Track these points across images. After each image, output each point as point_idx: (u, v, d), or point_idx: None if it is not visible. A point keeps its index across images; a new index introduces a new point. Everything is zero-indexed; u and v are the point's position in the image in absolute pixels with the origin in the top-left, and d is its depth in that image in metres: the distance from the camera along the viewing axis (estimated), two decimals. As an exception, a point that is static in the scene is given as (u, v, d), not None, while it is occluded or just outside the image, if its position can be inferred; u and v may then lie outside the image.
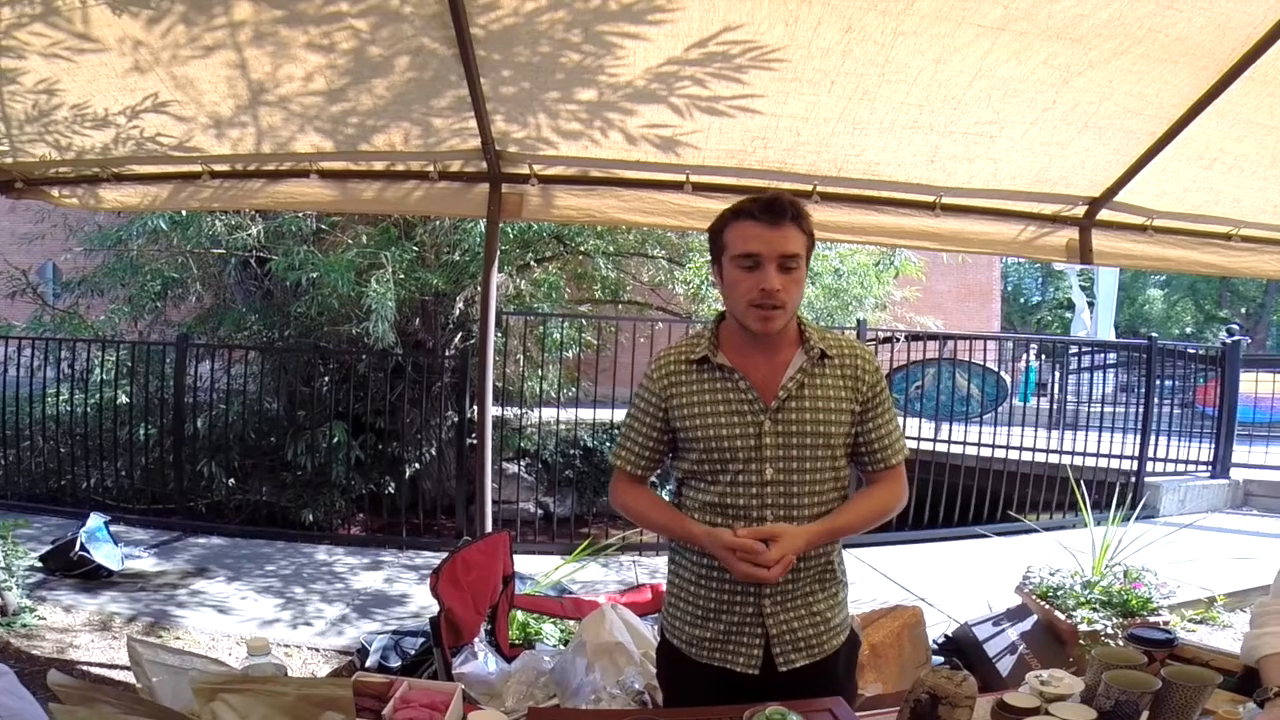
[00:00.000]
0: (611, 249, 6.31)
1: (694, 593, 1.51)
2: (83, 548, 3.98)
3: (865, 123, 2.40)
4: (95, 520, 4.21)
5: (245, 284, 6.52)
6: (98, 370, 5.91)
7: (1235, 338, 6.70)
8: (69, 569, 3.96)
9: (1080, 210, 2.80)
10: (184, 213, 5.47)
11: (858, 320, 5.90)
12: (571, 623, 2.97)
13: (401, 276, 5.36)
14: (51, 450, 5.80)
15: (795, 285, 1.42)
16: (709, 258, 1.56)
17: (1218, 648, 1.68)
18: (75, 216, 6.95)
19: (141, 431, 5.60)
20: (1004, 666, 2.95)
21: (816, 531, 1.45)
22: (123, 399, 5.75)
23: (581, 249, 6.24)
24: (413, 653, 3.02)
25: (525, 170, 2.67)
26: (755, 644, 1.46)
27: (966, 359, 7.91)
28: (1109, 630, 2.95)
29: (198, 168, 2.69)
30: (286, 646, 3.39)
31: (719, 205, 2.60)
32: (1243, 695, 1.40)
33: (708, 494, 1.48)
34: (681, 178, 2.62)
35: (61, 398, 5.88)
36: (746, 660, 1.46)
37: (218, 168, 2.70)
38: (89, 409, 5.74)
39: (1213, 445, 6.44)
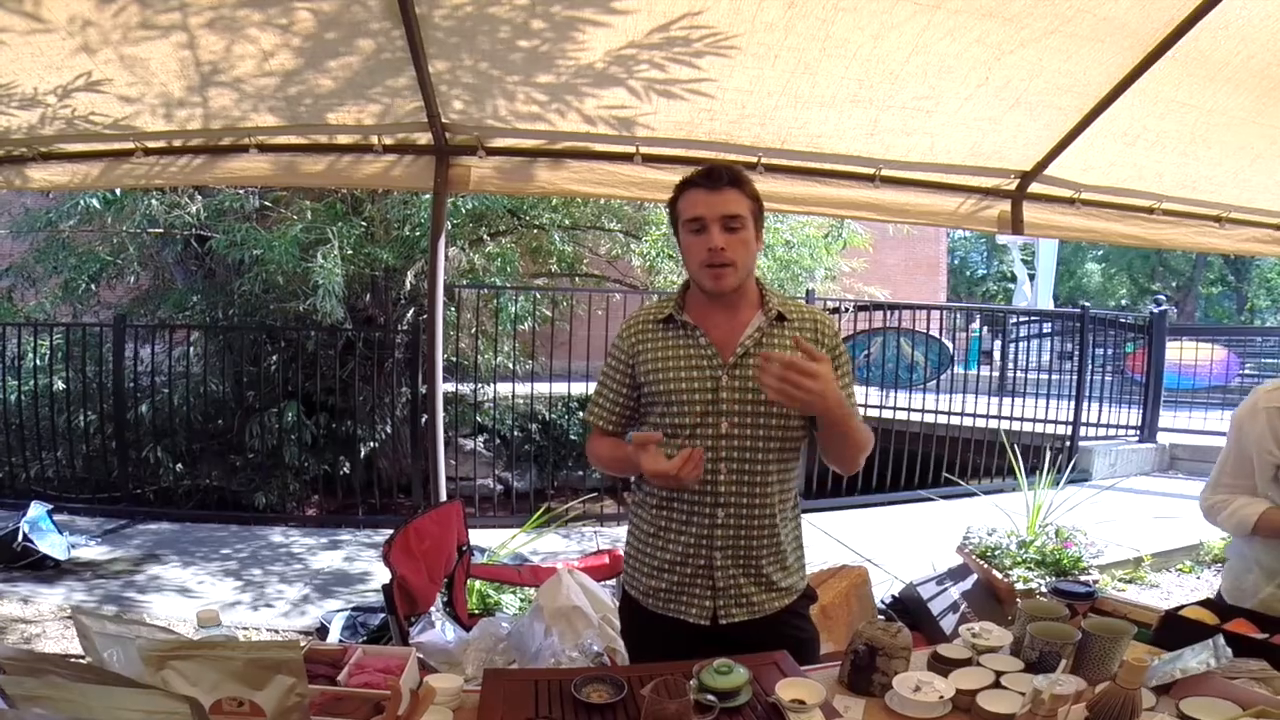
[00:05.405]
0: (567, 222, 6.28)
1: (652, 545, 1.59)
2: (26, 538, 3.87)
3: (807, 97, 2.45)
4: (37, 510, 4.08)
5: (185, 263, 6.31)
6: (31, 356, 5.67)
7: (1162, 308, 7.03)
8: (13, 560, 3.85)
9: (1012, 184, 2.91)
10: (118, 192, 5.26)
11: (807, 290, 6.02)
12: (530, 591, 3.02)
13: (349, 252, 5.25)
14: (-15, 440, 5.56)
15: (742, 245, 1.51)
16: (665, 230, 1.63)
17: (1136, 601, 1.78)
18: (-1, 197, 6.63)
19: (81, 418, 5.41)
20: (947, 625, 3.07)
21: (843, 404, 1.42)
22: (59, 385, 5.54)
23: (536, 223, 6.19)
24: (374, 627, 3.04)
25: (473, 142, 2.65)
26: (705, 596, 1.55)
27: (912, 328, 8.14)
28: (1043, 590, 3.11)
29: (130, 144, 2.59)
30: (248, 629, 3.37)
31: (668, 176, 2.65)
32: (1159, 648, 1.47)
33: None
34: (631, 149, 2.64)
35: (-8, 386, 5.64)
36: (699, 612, 1.55)
37: (152, 144, 2.61)
38: (23, 396, 5.51)
39: (1141, 411, 6.78)
